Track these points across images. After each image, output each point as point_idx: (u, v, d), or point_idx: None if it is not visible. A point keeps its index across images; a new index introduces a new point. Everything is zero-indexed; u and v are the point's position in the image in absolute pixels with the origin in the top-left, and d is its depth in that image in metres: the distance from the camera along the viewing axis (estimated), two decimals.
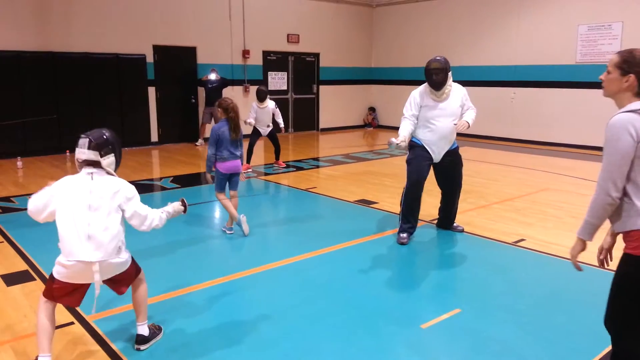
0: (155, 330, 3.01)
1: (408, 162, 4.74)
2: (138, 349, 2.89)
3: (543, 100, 11.36)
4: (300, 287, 3.76)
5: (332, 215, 5.81)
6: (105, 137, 2.66)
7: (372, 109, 15.06)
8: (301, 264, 4.25)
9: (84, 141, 2.62)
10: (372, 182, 7.46)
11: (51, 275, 2.65)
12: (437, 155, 4.67)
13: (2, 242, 4.81)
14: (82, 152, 2.61)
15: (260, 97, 8.20)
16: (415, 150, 4.67)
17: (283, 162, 8.85)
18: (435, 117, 4.54)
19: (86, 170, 2.63)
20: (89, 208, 2.56)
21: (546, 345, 2.96)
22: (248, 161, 8.30)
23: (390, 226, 5.28)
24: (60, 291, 2.63)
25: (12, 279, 3.96)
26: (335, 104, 14.46)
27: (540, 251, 4.55)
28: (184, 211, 2.98)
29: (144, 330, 2.92)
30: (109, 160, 2.66)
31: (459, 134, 4.68)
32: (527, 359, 2.83)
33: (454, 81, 4.65)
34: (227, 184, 5.02)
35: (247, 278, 3.93)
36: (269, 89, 13.16)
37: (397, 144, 4.42)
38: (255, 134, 8.34)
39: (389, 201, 6.15)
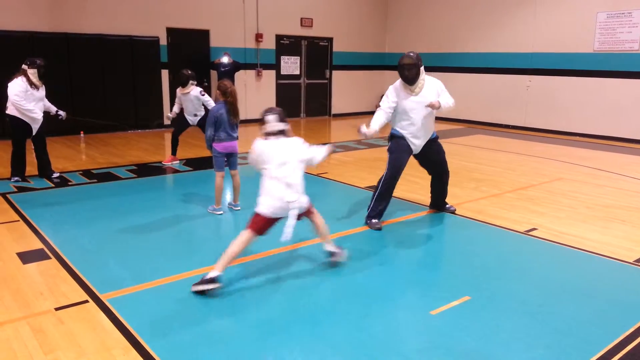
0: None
1: (390, 151, 5.00)
2: (336, 262, 3.84)
3: (559, 88, 11.19)
4: (309, 273, 3.78)
5: (341, 201, 5.81)
6: (282, 112, 3.55)
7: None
8: (310, 249, 4.26)
9: (274, 117, 3.49)
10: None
11: (257, 214, 3.43)
12: (417, 147, 4.92)
13: (18, 220, 4.89)
14: (276, 124, 3.48)
15: (181, 82, 7.11)
16: (397, 141, 4.94)
17: None
18: (412, 110, 4.79)
19: (274, 136, 3.48)
20: (284, 163, 3.42)
21: (556, 335, 2.96)
22: (173, 153, 7.52)
23: (400, 213, 5.29)
24: (265, 223, 3.44)
25: (28, 257, 4.03)
26: (348, 90, 14.37)
27: (553, 241, 4.52)
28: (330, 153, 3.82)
29: (332, 247, 3.84)
30: (288, 127, 3.53)
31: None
32: (536, 348, 2.82)
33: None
34: (228, 164, 5.24)
35: (253, 263, 3.96)
36: (282, 73, 13.15)
37: (365, 133, 4.64)
38: (182, 124, 7.43)
39: (399, 188, 6.08)
